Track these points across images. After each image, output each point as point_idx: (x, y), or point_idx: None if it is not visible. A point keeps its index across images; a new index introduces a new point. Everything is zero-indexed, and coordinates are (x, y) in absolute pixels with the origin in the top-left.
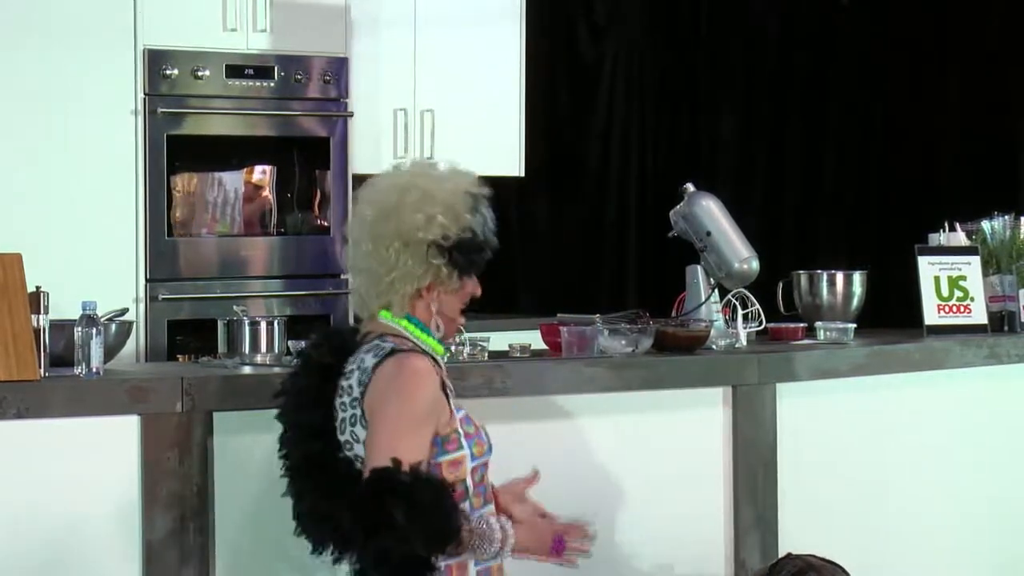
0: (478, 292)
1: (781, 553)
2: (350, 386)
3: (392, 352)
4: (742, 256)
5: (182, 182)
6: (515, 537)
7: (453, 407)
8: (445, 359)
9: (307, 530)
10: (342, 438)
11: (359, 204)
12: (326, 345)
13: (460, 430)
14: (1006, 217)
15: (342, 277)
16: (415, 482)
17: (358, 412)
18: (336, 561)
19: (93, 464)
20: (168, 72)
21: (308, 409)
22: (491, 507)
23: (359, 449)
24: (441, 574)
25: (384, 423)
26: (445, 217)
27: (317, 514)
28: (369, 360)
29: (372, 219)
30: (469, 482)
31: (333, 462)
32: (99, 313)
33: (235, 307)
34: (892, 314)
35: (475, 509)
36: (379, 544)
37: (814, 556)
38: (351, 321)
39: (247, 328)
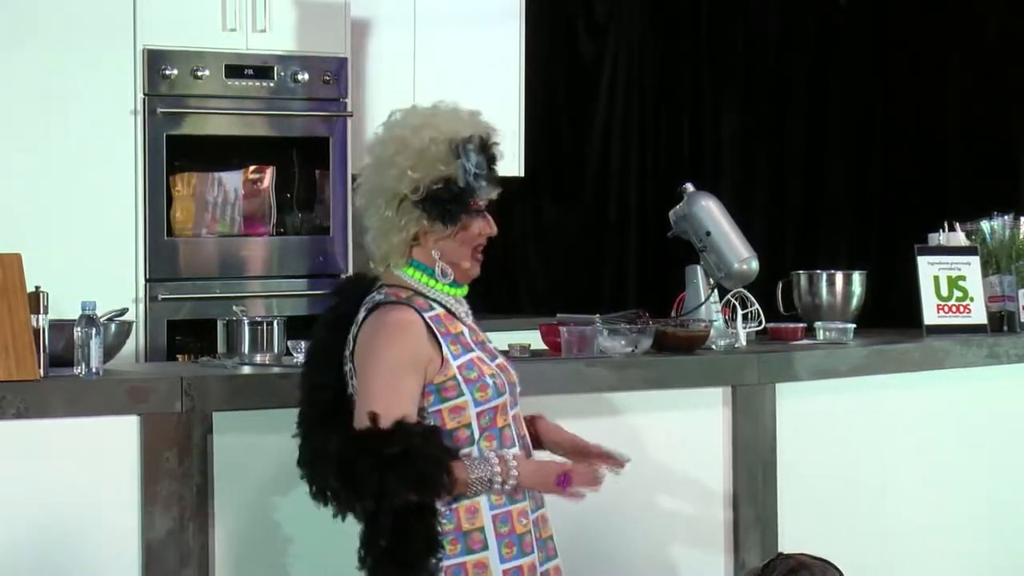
0: (489, 231)
1: None
2: (349, 339)
3: (377, 305)
4: (742, 256)
5: (182, 182)
6: (519, 471)
7: (449, 354)
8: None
9: (308, 480)
10: (349, 391)
11: (365, 157)
12: (344, 295)
13: (459, 376)
14: (1005, 217)
15: (341, 277)
16: (392, 435)
17: (351, 366)
18: (335, 516)
19: (93, 464)
20: (168, 72)
21: (321, 362)
22: (514, 450)
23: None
24: (449, 519)
25: (366, 378)
26: (415, 170)
27: (312, 467)
28: (362, 314)
29: (366, 174)
30: (475, 426)
31: (340, 414)
32: (99, 313)
33: (235, 307)
34: (894, 314)
35: (484, 452)
36: (366, 503)
37: (805, 554)
38: None
39: (247, 328)
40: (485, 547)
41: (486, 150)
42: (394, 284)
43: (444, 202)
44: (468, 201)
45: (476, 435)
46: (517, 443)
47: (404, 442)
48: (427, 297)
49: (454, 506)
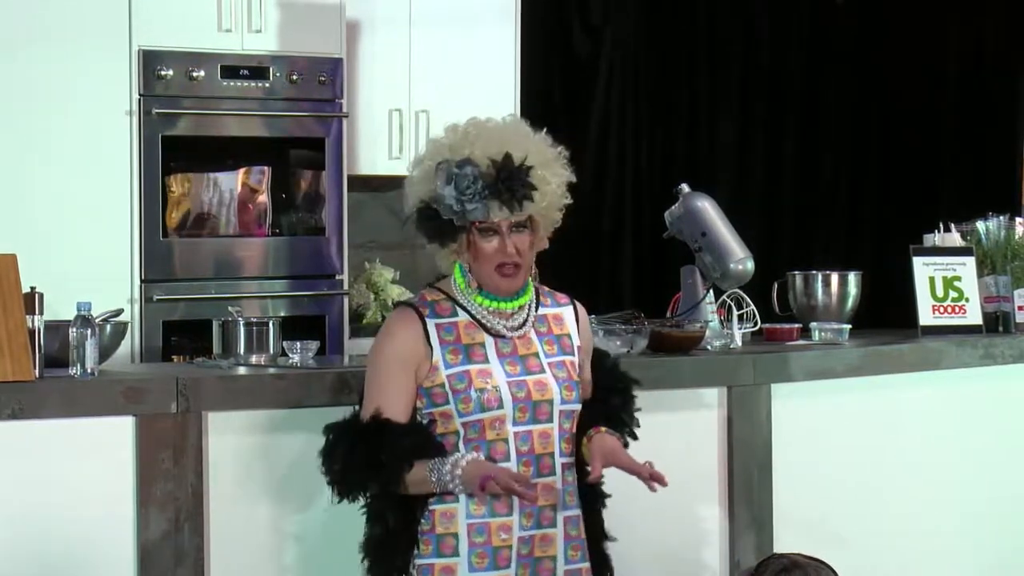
0: (501, 256)
1: None
2: None
3: (397, 304)
4: (737, 256)
5: (177, 183)
6: (463, 472)
7: (441, 361)
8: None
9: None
10: None
11: None
12: None
13: (447, 385)
14: (1000, 218)
15: (337, 278)
16: (367, 427)
17: None
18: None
19: (88, 465)
20: (163, 73)
21: None
22: (472, 455)
23: None
24: (426, 520)
25: (367, 371)
26: (412, 186)
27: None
28: None
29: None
30: (461, 435)
31: None
32: (94, 314)
33: (230, 308)
34: (889, 315)
35: (452, 455)
36: (342, 486)
37: (799, 554)
38: (346, 321)
39: (242, 329)
40: (456, 553)
41: (483, 173)
42: (435, 286)
43: (426, 221)
44: (457, 222)
45: (461, 444)
46: (516, 459)
47: (371, 434)
48: (457, 303)
49: (433, 508)
